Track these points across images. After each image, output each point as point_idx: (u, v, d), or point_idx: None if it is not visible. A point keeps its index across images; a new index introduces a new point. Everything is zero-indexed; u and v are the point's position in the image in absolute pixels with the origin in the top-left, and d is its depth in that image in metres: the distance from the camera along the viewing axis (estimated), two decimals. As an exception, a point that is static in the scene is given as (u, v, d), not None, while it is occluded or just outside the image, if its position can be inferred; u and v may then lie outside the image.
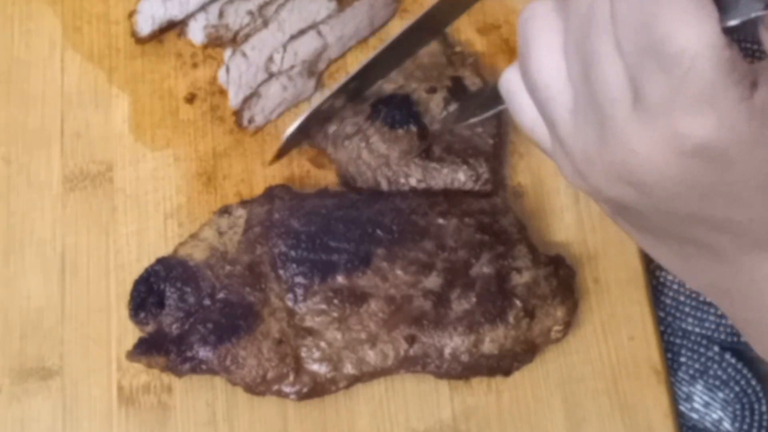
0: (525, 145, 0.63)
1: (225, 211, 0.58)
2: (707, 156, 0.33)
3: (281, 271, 0.55)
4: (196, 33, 0.64)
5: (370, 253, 0.56)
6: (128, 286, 0.56)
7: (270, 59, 0.63)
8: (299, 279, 0.55)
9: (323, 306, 0.55)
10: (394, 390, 0.58)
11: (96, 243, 0.60)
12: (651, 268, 0.62)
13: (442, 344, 0.55)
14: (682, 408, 0.60)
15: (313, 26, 0.64)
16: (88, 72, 0.64)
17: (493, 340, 0.55)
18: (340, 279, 0.55)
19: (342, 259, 0.55)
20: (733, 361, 0.60)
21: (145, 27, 0.63)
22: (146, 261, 0.57)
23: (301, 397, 0.55)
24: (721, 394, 0.60)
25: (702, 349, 0.61)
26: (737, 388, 0.60)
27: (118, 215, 0.61)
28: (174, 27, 0.64)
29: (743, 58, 0.32)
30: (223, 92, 0.63)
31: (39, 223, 0.61)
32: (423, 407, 0.57)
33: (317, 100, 0.63)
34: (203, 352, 0.54)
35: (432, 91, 0.61)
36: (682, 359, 0.61)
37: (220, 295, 0.55)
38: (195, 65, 0.64)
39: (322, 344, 0.55)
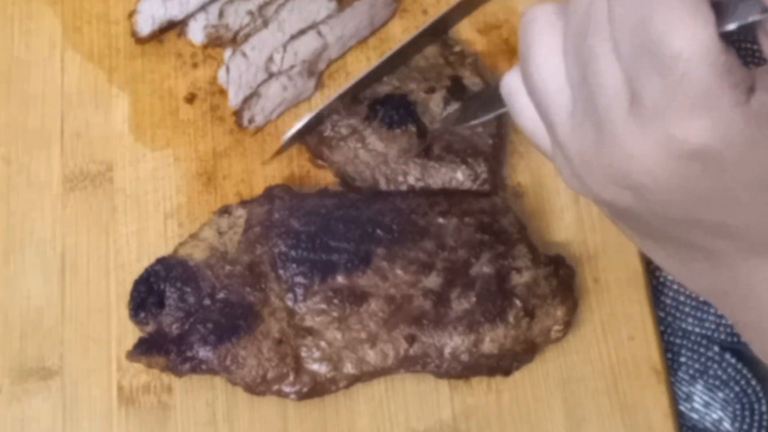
0: (525, 145, 0.63)
1: (225, 211, 0.58)
2: (703, 160, 0.33)
3: (281, 271, 0.55)
4: (196, 33, 0.64)
5: (370, 252, 0.56)
6: (128, 286, 0.56)
7: (270, 59, 0.63)
8: (299, 279, 0.55)
9: (323, 306, 0.55)
10: (394, 390, 0.58)
11: (96, 243, 0.60)
12: (651, 268, 0.62)
13: (442, 344, 0.55)
14: (682, 408, 0.60)
15: (313, 26, 0.64)
16: (88, 72, 0.64)
17: (493, 340, 0.55)
18: (340, 279, 0.55)
19: (342, 258, 0.55)
20: (733, 361, 0.60)
21: (145, 27, 0.63)
22: (146, 261, 0.57)
23: (301, 396, 0.55)
24: (721, 394, 0.60)
25: (702, 349, 0.61)
26: (737, 388, 0.60)
27: (118, 215, 0.61)
28: (174, 27, 0.64)
29: (741, 63, 0.32)
30: (223, 92, 0.63)
31: (39, 223, 0.61)
32: (423, 407, 0.57)
33: (317, 102, 0.63)
34: (203, 352, 0.54)
35: (431, 91, 0.61)
36: (682, 359, 0.61)
37: (220, 295, 0.55)
38: (195, 65, 0.64)
39: (322, 344, 0.55)
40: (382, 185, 0.60)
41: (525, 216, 0.61)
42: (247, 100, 0.62)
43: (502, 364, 0.56)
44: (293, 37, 0.63)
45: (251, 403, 0.57)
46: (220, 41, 0.64)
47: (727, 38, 0.32)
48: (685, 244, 0.38)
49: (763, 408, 0.59)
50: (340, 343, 0.55)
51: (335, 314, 0.55)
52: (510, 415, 0.58)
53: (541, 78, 0.37)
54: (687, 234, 0.37)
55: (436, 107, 0.61)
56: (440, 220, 0.57)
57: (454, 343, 0.55)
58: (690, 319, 0.61)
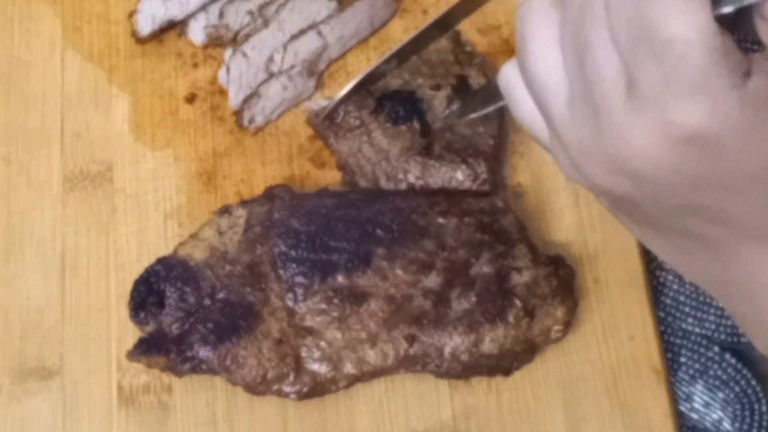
0: (525, 144, 0.63)
1: (225, 211, 0.58)
2: (700, 144, 0.33)
3: (281, 271, 0.55)
4: (197, 33, 0.64)
5: (370, 252, 0.56)
6: (128, 286, 0.56)
7: (270, 59, 0.63)
8: (299, 279, 0.55)
9: (323, 306, 0.55)
10: (394, 390, 0.58)
11: (96, 243, 0.60)
12: (651, 268, 0.62)
13: (442, 344, 0.55)
14: (682, 408, 0.60)
15: (313, 26, 0.64)
16: (88, 72, 0.64)
17: (493, 340, 0.55)
18: (340, 278, 0.55)
19: (342, 258, 0.55)
20: (733, 361, 0.60)
21: (145, 27, 0.63)
22: (146, 261, 0.57)
23: (301, 396, 0.55)
24: (721, 394, 0.60)
25: (702, 349, 0.61)
26: (737, 388, 0.60)
27: (118, 215, 0.61)
28: (174, 27, 0.64)
29: (737, 47, 0.32)
30: (223, 92, 0.63)
31: (39, 223, 0.61)
32: (423, 407, 0.57)
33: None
34: (203, 352, 0.54)
35: (436, 88, 0.61)
36: (682, 359, 0.61)
37: (220, 295, 0.55)
38: (195, 65, 0.64)
39: (322, 344, 0.55)
40: (382, 182, 0.60)
41: (525, 216, 0.61)
42: (247, 100, 0.62)
43: (502, 364, 0.56)
44: (293, 37, 0.63)
45: (251, 403, 0.56)
46: (220, 41, 0.64)
47: (723, 22, 0.32)
48: (683, 232, 0.39)
49: (763, 408, 0.59)
50: (340, 343, 0.55)
51: (335, 314, 0.55)
52: (510, 415, 0.58)
53: (538, 69, 0.37)
54: (686, 222, 0.38)
55: (440, 105, 0.61)
56: (440, 219, 0.57)
57: (454, 343, 0.55)
58: (690, 319, 0.61)
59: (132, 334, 0.56)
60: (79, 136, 0.63)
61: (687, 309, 0.62)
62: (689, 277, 0.43)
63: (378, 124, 0.60)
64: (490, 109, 0.48)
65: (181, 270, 0.56)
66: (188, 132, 0.63)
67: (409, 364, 0.55)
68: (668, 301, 0.62)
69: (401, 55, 0.61)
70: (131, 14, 0.64)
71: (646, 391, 0.58)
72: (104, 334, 0.58)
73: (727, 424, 0.59)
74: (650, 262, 0.61)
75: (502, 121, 0.62)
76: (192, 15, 0.64)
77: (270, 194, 0.58)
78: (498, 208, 0.58)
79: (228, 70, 0.62)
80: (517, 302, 0.56)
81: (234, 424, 0.57)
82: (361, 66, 0.65)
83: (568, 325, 0.57)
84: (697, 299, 0.62)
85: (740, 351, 0.61)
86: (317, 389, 0.55)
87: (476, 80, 0.62)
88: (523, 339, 0.56)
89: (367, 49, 0.65)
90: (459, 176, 0.60)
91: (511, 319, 0.55)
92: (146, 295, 0.56)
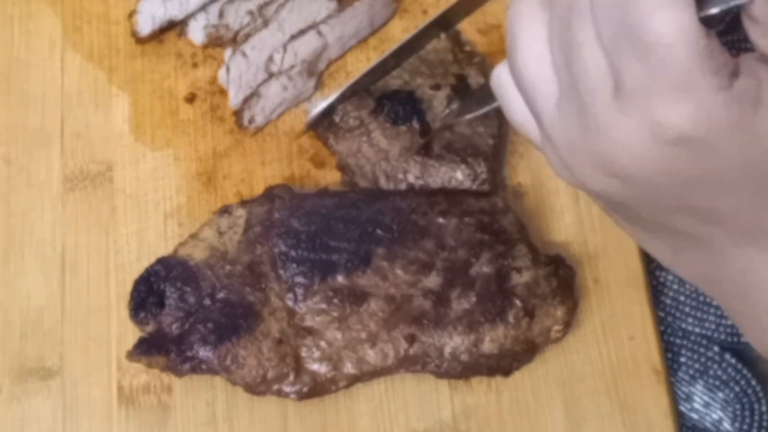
0: (525, 145, 0.63)
1: (225, 211, 0.58)
2: (686, 145, 0.33)
3: (281, 271, 0.55)
4: (196, 33, 0.64)
5: (370, 252, 0.56)
6: (128, 286, 0.56)
7: (270, 59, 0.63)
8: (299, 279, 0.55)
9: (323, 305, 0.55)
10: (394, 390, 0.58)
11: (96, 243, 0.60)
12: (651, 268, 0.62)
13: (441, 344, 0.55)
14: (682, 408, 0.60)
15: (313, 26, 0.64)
16: (88, 72, 0.64)
17: (492, 340, 0.55)
18: (340, 278, 0.55)
19: (342, 258, 0.55)
20: (733, 361, 0.60)
21: (145, 27, 0.63)
22: (146, 261, 0.57)
23: (301, 396, 0.55)
24: (721, 394, 0.60)
25: (702, 349, 0.61)
26: (737, 388, 0.60)
27: (118, 215, 0.61)
28: (174, 27, 0.64)
29: (723, 47, 0.32)
30: (223, 92, 0.63)
31: (39, 223, 0.61)
32: (423, 407, 0.57)
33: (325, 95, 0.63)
34: (203, 352, 0.54)
35: (436, 87, 0.61)
36: (682, 359, 0.61)
37: (220, 295, 0.55)
38: (195, 65, 0.64)
39: (322, 344, 0.55)
40: (382, 182, 0.60)
41: (525, 216, 0.61)
42: (247, 100, 0.62)
43: (502, 364, 0.56)
44: (293, 37, 0.63)
45: (251, 403, 0.56)
46: (220, 41, 0.64)
47: (710, 23, 0.32)
48: (675, 232, 0.39)
49: (763, 408, 0.59)
50: (340, 343, 0.55)
51: (335, 314, 0.55)
52: (510, 415, 0.58)
53: (527, 69, 0.37)
54: (677, 222, 0.38)
55: (440, 105, 0.61)
56: (440, 219, 0.57)
57: (454, 343, 0.55)
58: (690, 319, 0.61)
59: (132, 334, 0.56)
60: (79, 136, 0.63)
61: (687, 309, 0.62)
62: (684, 275, 0.43)
63: (377, 124, 0.60)
64: (488, 109, 0.48)
65: (181, 270, 0.56)
66: (188, 132, 0.63)
67: (409, 364, 0.55)
68: (668, 301, 0.62)
69: (400, 55, 0.61)
70: (131, 14, 0.64)
71: (646, 391, 0.58)
72: (104, 334, 0.58)
73: (727, 424, 0.59)
74: (650, 262, 0.61)
75: (502, 120, 0.62)
76: (192, 15, 0.64)
77: (270, 194, 0.58)
78: (498, 208, 0.58)
79: (228, 70, 0.62)
80: (517, 302, 0.56)
81: (234, 424, 0.57)
82: (360, 66, 0.65)
83: (568, 325, 0.57)
84: (697, 299, 0.62)
85: (740, 351, 0.61)
86: (317, 389, 0.55)
87: (476, 80, 0.62)
88: (523, 339, 0.56)
89: (367, 49, 0.65)
90: (459, 176, 0.60)
91: (511, 319, 0.55)
92: (146, 295, 0.56)
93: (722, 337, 0.61)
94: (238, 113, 0.62)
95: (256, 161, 0.62)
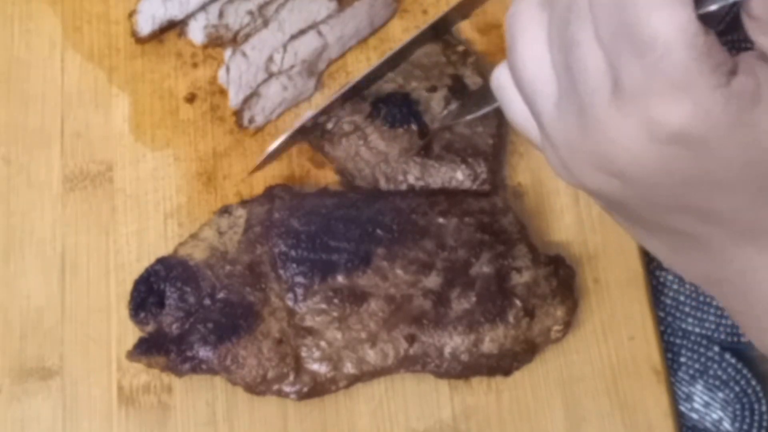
0: (525, 145, 0.63)
1: (225, 211, 0.58)
2: (684, 143, 0.33)
3: (281, 271, 0.55)
4: (196, 33, 0.64)
5: (370, 252, 0.56)
6: (128, 286, 0.56)
7: (270, 59, 0.63)
8: (299, 279, 0.55)
9: (323, 305, 0.55)
10: (394, 390, 0.58)
11: (96, 243, 0.60)
12: (651, 268, 0.62)
13: (441, 343, 0.55)
14: (682, 408, 0.60)
15: (313, 26, 0.64)
16: (88, 72, 0.64)
17: (492, 340, 0.55)
18: (340, 278, 0.55)
19: (342, 258, 0.55)
20: (733, 361, 0.60)
21: (145, 27, 0.63)
22: (146, 261, 0.57)
23: (301, 396, 0.55)
24: (721, 394, 0.60)
25: (702, 349, 0.61)
26: (737, 388, 0.60)
27: (118, 215, 0.61)
28: (174, 27, 0.64)
29: (721, 45, 0.32)
30: (223, 92, 0.63)
31: (39, 223, 0.61)
32: (423, 407, 0.57)
33: (318, 102, 0.63)
34: (203, 352, 0.54)
35: (432, 89, 0.61)
36: (682, 359, 0.61)
37: (220, 295, 0.55)
38: (195, 65, 0.64)
39: (322, 344, 0.55)
40: (382, 184, 0.60)
41: (525, 216, 0.61)
42: (247, 100, 0.62)
43: (502, 364, 0.56)
44: (293, 37, 0.63)
45: (251, 403, 0.57)
46: (220, 41, 0.64)
47: (710, 21, 0.32)
48: (675, 231, 0.39)
49: (763, 408, 0.59)
50: (340, 343, 0.55)
51: (335, 314, 0.55)
52: (510, 415, 0.58)
53: (527, 69, 0.37)
54: (676, 221, 0.38)
55: (437, 106, 0.61)
56: (440, 219, 0.57)
57: (454, 342, 0.55)
58: (690, 319, 0.61)
59: (132, 334, 0.57)
60: (79, 136, 0.63)
61: (687, 309, 0.62)
62: (685, 275, 0.43)
63: (374, 128, 0.60)
64: (487, 109, 0.48)
65: (181, 270, 0.56)
66: (188, 132, 0.63)
67: (409, 364, 0.55)
68: (668, 301, 0.62)
69: (394, 60, 0.61)
70: (131, 14, 0.64)
71: (646, 391, 0.58)
72: (104, 334, 0.58)
73: (727, 424, 0.59)
74: (650, 262, 0.61)
75: (502, 120, 0.62)
76: (192, 15, 0.64)
77: (270, 194, 0.58)
78: (498, 208, 0.58)
79: (228, 70, 0.62)
80: (517, 302, 0.56)
81: (234, 424, 0.57)
82: (361, 66, 0.65)
83: (568, 325, 0.57)
84: (697, 299, 0.62)
85: (740, 351, 0.61)
86: (317, 389, 0.55)
87: (472, 79, 0.62)
88: (523, 339, 0.56)
89: (366, 49, 0.65)
90: (459, 176, 0.60)
91: (511, 319, 0.55)
92: (146, 295, 0.56)
93: (722, 337, 0.61)
94: (238, 113, 0.62)
95: (257, 161, 0.62)
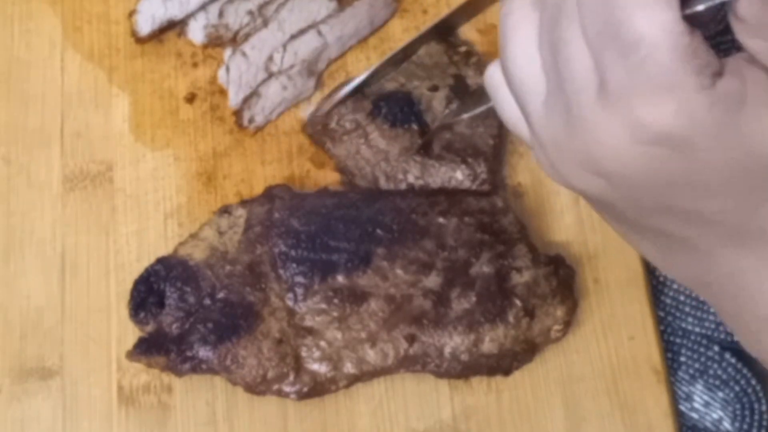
0: (525, 144, 0.62)
1: (225, 210, 0.58)
2: (669, 145, 0.33)
3: (281, 271, 0.55)
4: (196, 33, 0.64)
5: (370, 252, 0.56)
6: (128, 286, 0.56)
7: (270, 59, 0.63)
8: (299, 278, 0.55)
9: (323, 305, 0.55)
10: (394, 390, 0.58)
11: (96, 243, 0.60)
12: (651, 268, 0.62)
13: (441, 343, 0.55)
14: (682, 408, 0.60)
15: (313, 26, 0.64)
16: (88, 72, 0.64)
17: (492, 340, 0.55)
18: (340, 278, 0.55)
19: (342, 258, 0.55)
20: (733, 360, 0.60)
21: (145, 27, 0.63)
22: (146, 261, 0.57)
23: (301, 396, 0.55)
24: (721, 394, 0.60)
25: (702, 349, 0.61)
26: (737, 388, 0.60)
27: (118, 215, 0.61)
28: (174, 27, 0.64)
29: (708, 47, 0.32)
30: (223, 92, 0.63)
31: (39, 223, 0.61)
32: (423, 407, 0.57)
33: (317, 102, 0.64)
34: (203, 352, 0.54)
35: (434, 89, 0.61)
36: (682, 359, 0.61)
37: (220, 295, 0.55)
38: (195, 65, 0.64)
39: (322, 344, 0.55)
40: (382, 182, 0.60)
41: (525, 216, 0.61)
42: (247, 100, 0.62)
43: (502, 364, 0.56)
44: (293, 37, 0.63)
45: (251, 403, 0.57)
46: (220, 41, 0.64)
47: (697, 22, 0.32)
48: (662, 233, 0.38)
49: (763, 408, 0.59)
50: (340, 343, 0.55)
51: (335, 314, 0.55)
52: (510, 415, 0.58)
53: (517, 68, 0.37)
54: (663, 222, 0.37)
55: (439, 106, 0.61)
56: (440, 219, 0.57)
57: (454, 342, 0.55)
58: (690, 319, 0.61)
59: (132, 334, 0.57)
60: (79, 136, 0.63)
61: (687, 309, 0.62)
62: (674, 277, 0.43)
63: (375, 126, 0.60)
64: (485, 107, 0.48)
65: (181, 270, 0.56)
66: (188, 132, 0.63)
67: (409, 363, 0.55)
68: (668, 301, 0.62)
69: (397, 59, 0.61)
70: (131, 14, 0.64)
71: (646, 391, 0.58)
72: (104, 334, 0.58)
73: (727, 424, 0.59)
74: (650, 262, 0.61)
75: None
76: (192, 15, 0.64)
77: (270, 194, 0.58)
78: (498, 208, 0.58)
79: (228, 69, 0.62)
80: (517, 302, 0.56)
81: (234, 424, 0.57)
82: (360, 66, 0.65)
83: (568, 325, 0.57)
84: (697, 299, 0.62)
85: (740, 350, 0.61)
86: (317, 389, 0.55)
87: (474, 80, 0.62)
88: (523, 339, 0.56)
89: (366, 48, 0.65)
90: (459, 176, 0.60)
91: (511, 319, 0.55)
92: (146, 295, 0.56)
93: (722, 336, 0.61)
94: (238, 113, 0.62)
95: (256, 161, 0.62)
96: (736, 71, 0.32)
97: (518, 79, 0.37)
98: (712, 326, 0.61)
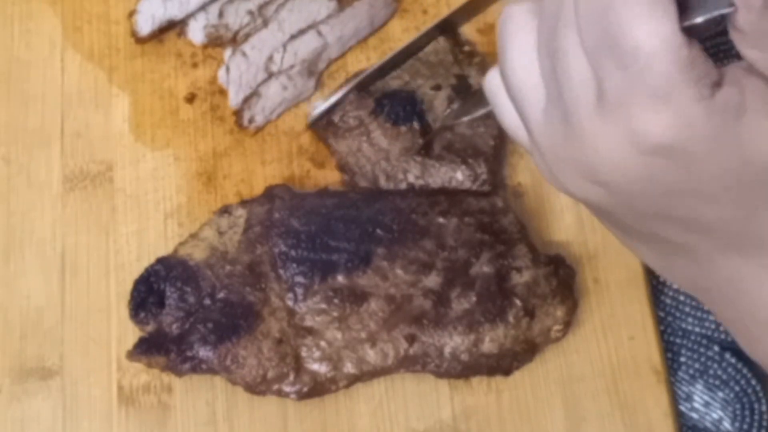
0: (525, 145, 0.63)
1: (225, 210, 0.58)
2: (666, 154, 0.33)
3: (281, 271, 0.55)
4: (196, 33, 0.64)
5: (370, 252, 0.56)
6: (128, 286, 0.56)
7: (270, 59, 0.63)
8: (299, 278, 0.55)
9: (323, 305, 0.55)
10: (394, 390, 0.58)
11: (96, 243, 0.60)
12: (651, 269, 0.62)
13: (442, 343, 0.55)
14: (682, 408, 0.60)
15: (313, 26, 0.64)
16: (88, 72, 0.64)
17: (492, 340, 0.55)
18: (340, 278, 0.55)
19: (342, 258, 0.55)
20: (733, 360, 0.60)
21: (145, 27, 0.63)
22: (146, 261, 0.57)
23: (301, 396, 0.55)
24: (721, 394, 0.60)
25: (702, 349, 0.61)
26: (737, 388, 0.60)
27: (118, 215, 0.61)
28: (174, 27, 0.64)
29: (706, 57, 0.32)
30: (223, 92, 0.63)
31: (39, 223, 0.61)
32: (423, 407, 0.57)
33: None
34: (203, 352, 0.54)
35: (437, 88, 0.61)
36: (682, 359, 0.61)
37: (220, 295, 0.55)
38: (195, 65, 0.64)
39: (322, 344, 0.55)
40: (382, 182, 0.60)
41: (525, 216, 0.61)
42: (247, 100, 0.62)
43: (502, 364, 0.56)
44: (293, 37, 0.63)
45: (251, 403, 0.57)
46: (220, 41, 0.64)
47: (695, 33, 0.32)
48: (661, 239, 0.38)
49: (763, 408, 0.59)
50: (340, 343, 0.55)
51: (335, 314, 0.55)
52: (510, 415, 0.58)
53: (516, 75, 0.37)
54: (662, 230, 0.38)
55: (441, 105, 0.61)
56: (440, 219, 0.57)
57: (454, 342, 0.55)
58: (690, 319, 0.61)
59: (132, 334, 0.57)
60: (79, 136, 0.63)
61: (687, 309, 0.62)
62: (674, 282, 0.43)
63: (378, 124, 0.60)
64: (486, 110, 0.48)
65: (181, 270, 0.56)
66: (188, 132, 0.63)
67: (409, 363, 0.55)
68: (668, 301, 0.62)
69: (401, 57, 0.61)
70: (131, 14, 0.64)
71: (646, 391, 0.58)
72: (104, 334, 0.58)
73: (727, 424, 0.59)
74: (650, 262, 0.61)
75: (502, 121, 0.62)
76: (192, 15, 0.64)
77: (270, 194, 0.58)
78: (498, 208, 0.58)
79: (228, 69, 0.62)
80: (517, 302, 0.56)
81: (234, 424, 0.57)
82: (360, 66, 0.65)
83: (568, 325, 0.57)
84: (697, 299, 0.62)
85: (740, 350, 0.60)
86: (317, 389, 0.55)
87: (476, 80, 0.62)
88: (523, 339, 0.56)
89: (366, 48, 0.65)
90: (459, 176, 0.60)
91: (511, 318, 0.55)
92: (146, 295, 0.56)
93: (722, 336, 0.61)
94: (238, 113, 0.62)
95: (256, 161, 0.62)
96: (735, 81, 0.33)
97: (517, 87, 0.37)
98: (712, 326, 0.61)
